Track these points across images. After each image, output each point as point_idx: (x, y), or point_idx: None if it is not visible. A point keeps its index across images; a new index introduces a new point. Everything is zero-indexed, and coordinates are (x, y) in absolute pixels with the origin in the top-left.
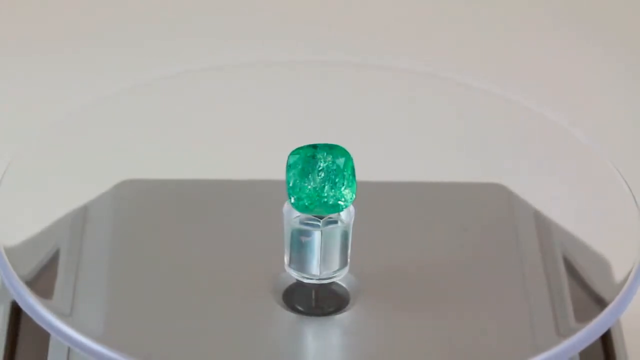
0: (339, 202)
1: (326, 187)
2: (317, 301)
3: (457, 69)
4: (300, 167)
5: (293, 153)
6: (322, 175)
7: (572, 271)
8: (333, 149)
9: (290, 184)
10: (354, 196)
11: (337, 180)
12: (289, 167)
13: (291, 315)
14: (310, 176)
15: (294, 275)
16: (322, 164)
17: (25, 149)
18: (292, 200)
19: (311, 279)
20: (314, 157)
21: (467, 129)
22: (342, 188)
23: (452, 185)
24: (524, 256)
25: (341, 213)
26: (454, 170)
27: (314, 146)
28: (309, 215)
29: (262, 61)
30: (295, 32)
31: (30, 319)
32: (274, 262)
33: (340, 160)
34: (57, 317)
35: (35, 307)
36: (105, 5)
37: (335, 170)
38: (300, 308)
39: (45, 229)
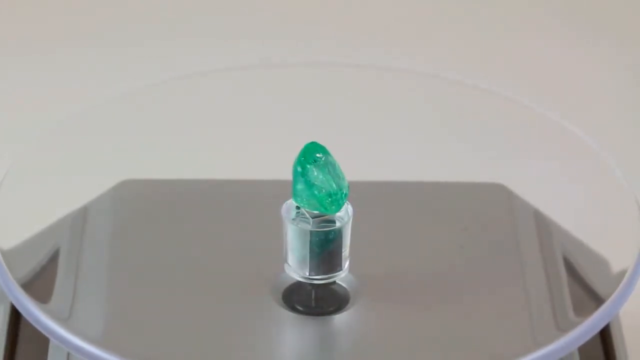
0: (347, 190)
1: (337, 180)
2: (317, 301)
3: (457, 69)
4: (313, 175)
5: (298, 168)
6: (329, 172)
7: (572, 271)
8: (316, 147)
9: (320, 193)
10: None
11: (337, 171)
12: (308, 181)
13: (291, 315)
14: (326, 178)
15: (294, 275)
16: (321, 164)
17: (25, 149)
18: (327, 206)
19: (311, 278)
20: (314, 161)
21: (467, 129)
22: (342, 176)
23: (452, 185)
24: (524, 256)
25: (339, 212)
26: (454, 170)
27: (305, 152)
28: (310, 218)
29: (261, 62)
30: (295, 32)
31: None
32: (274, 262)
33: (328, 154)
34: (55, 321)
35: (32, 310)
36: (105, 5)
37: (332, 163)
38: (300, 308)
39: (45, 229)
